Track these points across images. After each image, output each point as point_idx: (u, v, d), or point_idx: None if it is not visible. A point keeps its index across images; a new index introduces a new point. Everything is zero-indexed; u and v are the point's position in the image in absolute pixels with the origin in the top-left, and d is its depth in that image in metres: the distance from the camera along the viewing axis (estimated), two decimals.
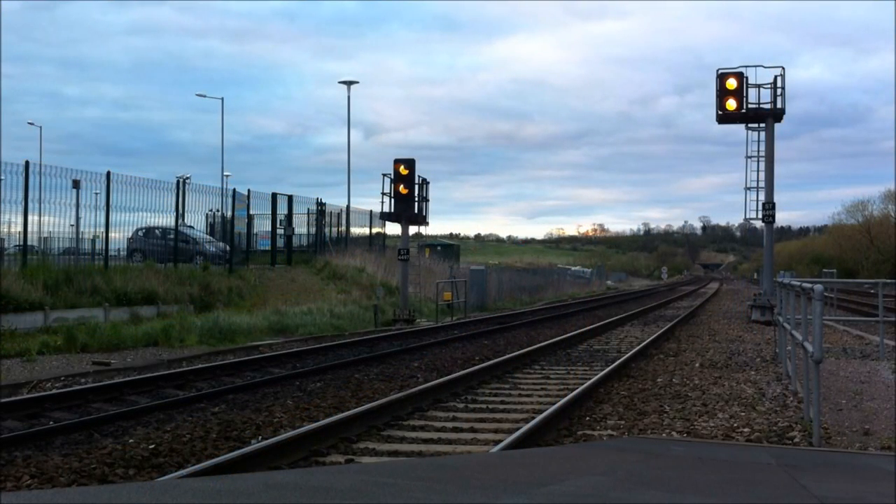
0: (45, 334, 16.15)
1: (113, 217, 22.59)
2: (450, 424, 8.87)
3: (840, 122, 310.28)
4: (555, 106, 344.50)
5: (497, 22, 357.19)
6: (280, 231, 32.53)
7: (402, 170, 24.59)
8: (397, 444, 7.96)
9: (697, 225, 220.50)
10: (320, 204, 34.34)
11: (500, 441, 7.66)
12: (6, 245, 23.18)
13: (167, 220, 25.27)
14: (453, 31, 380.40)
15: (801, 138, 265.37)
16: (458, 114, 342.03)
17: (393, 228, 36.53)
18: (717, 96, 23.92)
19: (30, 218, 20.32)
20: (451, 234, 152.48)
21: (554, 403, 9.45)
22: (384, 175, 24.77)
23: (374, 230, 40.27)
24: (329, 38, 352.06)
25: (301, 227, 33.83)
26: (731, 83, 23.70)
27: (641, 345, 16.63)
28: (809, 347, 8.11)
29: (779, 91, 23.72)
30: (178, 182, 26.56)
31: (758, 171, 24.36)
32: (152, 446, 7.58)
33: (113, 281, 20.39)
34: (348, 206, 37.92)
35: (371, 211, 38.14)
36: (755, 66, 24.09)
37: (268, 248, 32.71)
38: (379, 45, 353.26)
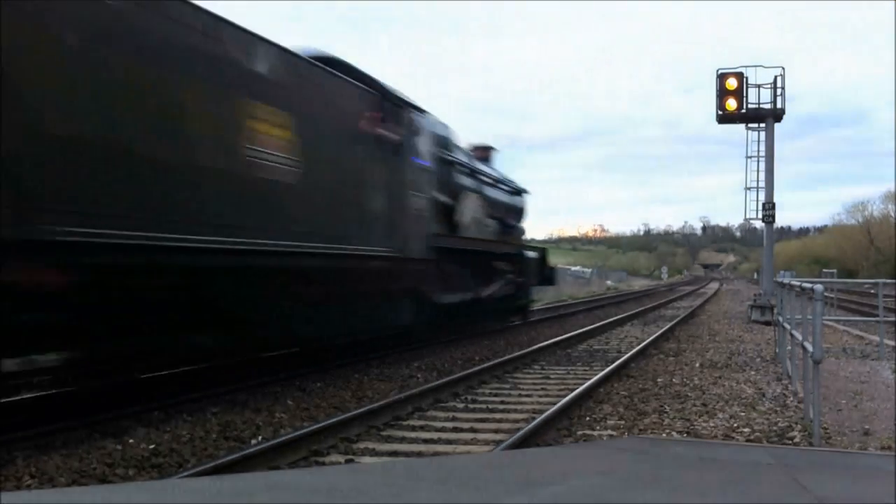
0: None
1: None
2: (450, 424, 8.87)
3: (841, 123, 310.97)
4: (557, 106, 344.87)
5: (501, 22, 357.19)
6: None
7: None
8: (397, 444, 7.96)
9: (697, 225, 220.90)
10: None
11: (501, 441, 7.67)
12: None
13: None
14: (456, 32, 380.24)
15: (804, 138, 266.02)
16: (460, 113, 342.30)
17: None
18: (717, 96, 23.93)
19: None
20: None
21: (554, 403, 9.45)
22: None
23: None
24: (331, 39, 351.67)
25: None
26: (731, 83, 23.73)
27: (641, 345, 16.63)
28: (809, 347, 8.11)
29: (779, 91, 23.77)
30: None
31: (758, 171, 24.39)
32: (152, 446, 7.58)
33: None
34: None
35: None
36: (755, 66, 24.15)
37: None
38: (381, 45, 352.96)
